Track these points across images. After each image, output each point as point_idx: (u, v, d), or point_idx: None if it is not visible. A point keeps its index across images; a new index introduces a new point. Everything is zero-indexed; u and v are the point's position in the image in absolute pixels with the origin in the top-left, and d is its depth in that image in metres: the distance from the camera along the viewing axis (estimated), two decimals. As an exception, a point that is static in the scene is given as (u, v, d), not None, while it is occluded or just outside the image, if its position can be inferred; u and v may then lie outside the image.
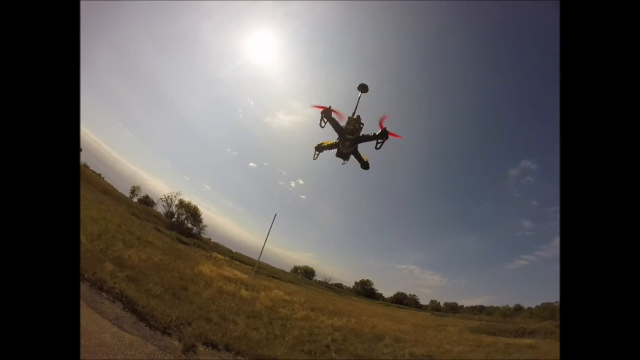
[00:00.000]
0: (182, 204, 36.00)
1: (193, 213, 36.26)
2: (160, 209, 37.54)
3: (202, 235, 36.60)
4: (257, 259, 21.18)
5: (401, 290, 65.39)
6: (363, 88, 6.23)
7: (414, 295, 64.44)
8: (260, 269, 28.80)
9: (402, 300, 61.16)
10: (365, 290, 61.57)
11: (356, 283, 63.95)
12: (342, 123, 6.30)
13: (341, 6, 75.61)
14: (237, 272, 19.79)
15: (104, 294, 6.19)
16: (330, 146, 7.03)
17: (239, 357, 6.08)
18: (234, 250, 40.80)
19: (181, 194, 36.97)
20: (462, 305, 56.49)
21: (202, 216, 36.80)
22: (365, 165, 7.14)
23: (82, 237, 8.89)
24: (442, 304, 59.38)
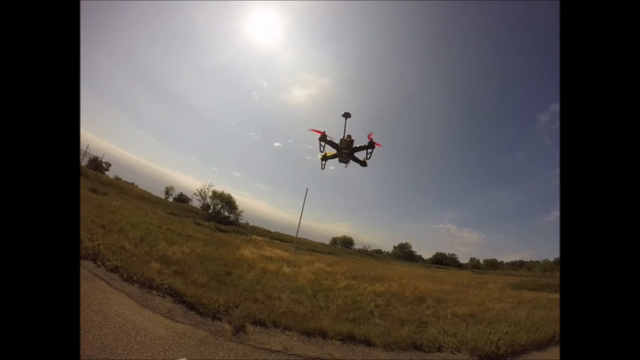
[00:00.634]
0: (215, 195, 37.33)
1: (227, 201, 37.54)
2: (196, 203, 39.17)
3: (240, 220, 38.03)
4: (295, 236, 21.79)
5: (440, 251, 64.83)
6: (347, 115, 8.64)
7: (453, 254, 63.67)
8: (299, 245, 29.67)
9: (441, 261, 60.78)
10: (404, 254, 61.75)
11: (395, 247, 64.18)
12: (336, 141, 8.76)
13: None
14: (277, 251, 20.44)
15: (153, 291, 6.62)
16: (333, 156, 9.41)
17: (287, 332, 6.36)
18: (272, 231, 42.17)
19: (213, 185, 38.26)
20: (502, 261, 55.11)
21: (237, 203, 38.06)
22: (363, 164, 9.34)
23: (126, 243, 9.49)
24: (481, 261, 58.33)
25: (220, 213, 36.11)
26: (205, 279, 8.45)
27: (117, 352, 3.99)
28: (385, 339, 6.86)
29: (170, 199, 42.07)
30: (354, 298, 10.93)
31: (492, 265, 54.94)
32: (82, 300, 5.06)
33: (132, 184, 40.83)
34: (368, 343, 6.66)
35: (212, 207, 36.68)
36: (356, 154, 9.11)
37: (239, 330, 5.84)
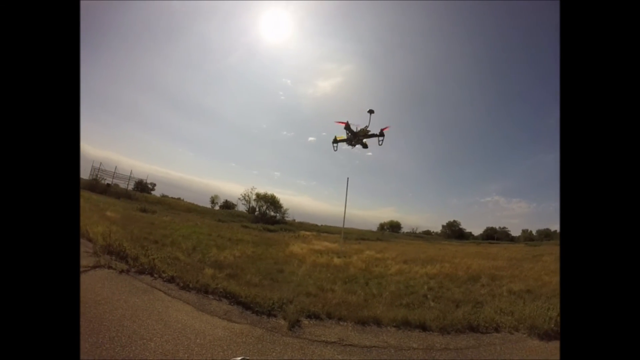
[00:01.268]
0: (259, 197, 38.55)
1: (272, 201, 38.65)
2: (242, 207, 40.83)
3: (286, 218, 38.95)
4: (342, 226, 21.79)
5: (490, 225, 61.83)
6: (371, 112, 11.82)
7: (504, 227, 60.46)
8: (347, 235, 29.66)
9: (492, 236, 57.66)
10: (453, 232, 59.35)
11: (443, 226, 61.95)
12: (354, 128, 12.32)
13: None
14: (326, 244, 20.57)
15: (209, 296, 6.88)
16: (342, 140, 12.13)
17: (341, 323, 6.30)
18: (319, 224, 42.65)
19: (255, 188, 39.65)
20: (556, 230, 50.54)
21: (281, 201, 38.99)
22: (365, 146, 12.97)
23: (180, 254, 9.99)
24: (534, 232, 54.76)
25: (266, 214, 37.25)
26: (258, 279, 8.65)
27: (179, 356, 4.16)
28: (441, 322, 6.53)
29: (217, 207, 44.30)
30: (406, 283, 10.64)
31: (546, 235, 51.05)
32: (142, 313, 5.37)
33: (179, 198, 43.41)
34: (423, 328, 6.37)
35: (257, 209, 37.99)
36: (365, 140, 11.72)
37: (294, 324, 5.87)
